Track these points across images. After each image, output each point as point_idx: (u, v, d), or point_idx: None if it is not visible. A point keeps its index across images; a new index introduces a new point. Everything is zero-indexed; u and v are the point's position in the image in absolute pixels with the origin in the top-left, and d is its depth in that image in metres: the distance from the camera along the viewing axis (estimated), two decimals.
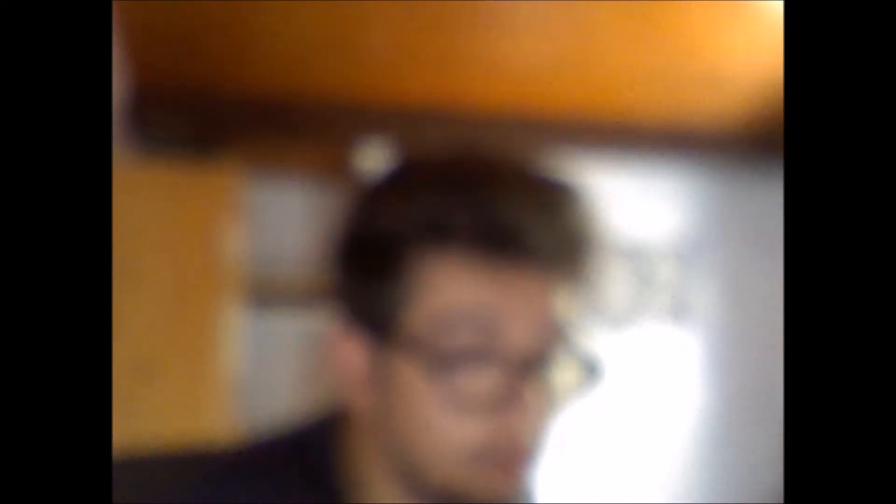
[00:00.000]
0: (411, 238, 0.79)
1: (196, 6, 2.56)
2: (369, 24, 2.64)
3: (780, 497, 0.74)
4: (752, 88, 2.91)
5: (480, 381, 0.78)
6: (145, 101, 2.95)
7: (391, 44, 2.75)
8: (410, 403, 0.80)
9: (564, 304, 0.81)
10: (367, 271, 0.81)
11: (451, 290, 0.79)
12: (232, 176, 2.66)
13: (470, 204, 0.78)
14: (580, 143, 3.20)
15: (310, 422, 0.89)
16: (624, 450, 3.27)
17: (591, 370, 0.84)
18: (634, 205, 3.37)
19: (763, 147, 3.20)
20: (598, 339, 3.27)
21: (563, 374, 0.82)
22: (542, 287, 0.80)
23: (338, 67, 2.89)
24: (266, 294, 3.06)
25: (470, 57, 2.81)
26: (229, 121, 3.09)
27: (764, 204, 3.26)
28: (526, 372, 0.79)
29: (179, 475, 0.84)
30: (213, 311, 2.54)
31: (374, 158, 2.96)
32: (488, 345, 0.78)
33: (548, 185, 0.81)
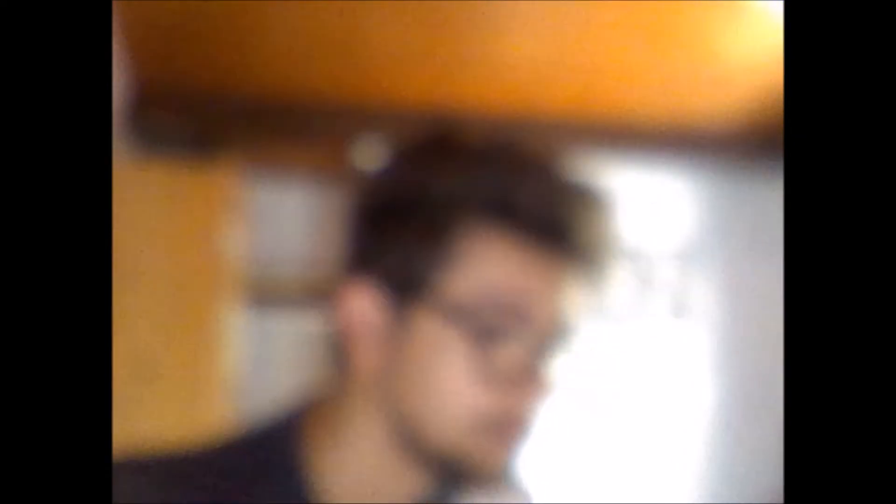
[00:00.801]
0: (466, 208, 0.82)
1: (196, 6, 2.56)
2: (369, 24, 2.64)
3: (780, 497, 0.74)
4: (752, 88, 2.91)
5: (504, 356, 0.81)
6: (145, 101, 2.95)
7: (391, 44, 2.75)
8: (429, 365, 0.82)
9: (574, 299, 0.85)
10: (407, 233, 0.83)
11: (499, 266, 0.82)
12: (232, 176, 2.66)
13: (530, 187, 0.82)
14: (580, 143, 3.20)
15: (275, 420, 0.89)
16: (624, 450, 3.26)
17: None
18: (634, 205, 3.37)
19: (763, 147, 3.20)
20: (598, 339, 3.25)
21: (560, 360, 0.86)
22: (569, 280, 0.84)
23: (338, 67, 2.89)
24: (266, 294, 3.06)
25: (470, 57, 2.81)
26: (229, 121, 3.09)
27: (764, 204, 3.26)
28: (542, 353, 0.83)
29: (143, 477, 0.83)
30: (212, 311, 2.54)
31: (374, 158, 2.96)
32: (518, 324, 0.81)
33: (589, 187, 0.86)
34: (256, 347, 2.95)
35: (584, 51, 2.76)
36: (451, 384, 0.81)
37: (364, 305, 0.84)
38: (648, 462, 3.28)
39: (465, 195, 0.82)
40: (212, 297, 2.55)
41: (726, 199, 3.40)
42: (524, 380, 0.82)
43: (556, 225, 0.82)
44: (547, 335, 0.82)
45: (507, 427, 0.82)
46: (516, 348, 0.81)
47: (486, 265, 0.81)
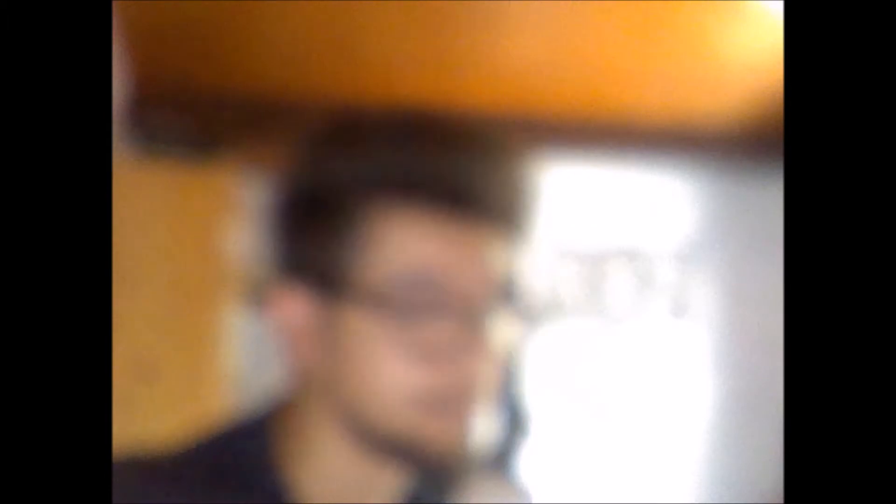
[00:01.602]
0: (368, 193, 0.82)
1: (196, 6, 2.56)
2: (369, 25, 2.64)
3: (780, 497, 0.74)
4: (752, 88, 2.91)
5: (433, 332, 0.81)
6: (145, 101, 2.95)
7: (391, 44, 2.75)
8: (362, 353, 0.82)
9: (506, 258, 0.84)
10: (316, 225, 0.83)
11: (408, 245, 0.81)
12: (232, 176, 2.66)
13: (426, 162, 0.82)
14: (580, 142, 3.20)
15: (244, 421, 0.89)
16: (624, 450, 3.27)
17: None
18: (634, 205, 3.37)
19: (763, 147, 3.20)
20: (598, 339, 3.25)
21: (504, 326, 0.84)
22: (488, 242, 0.83)
23: (337, 67, 2.89)
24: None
25: (470, 57, 2.81)
26: (229, 121, 3.09)
27: (764, 204, 3.26)
28: (473, 323, 0.82)
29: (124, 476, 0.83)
30: (213, 310, 2.54)
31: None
32: (441, 297, 0.81)
33: (496, 145, 0.85)
34: (256, 347, 2.94)
35: (584, 51, 2.76)
36: (385, 367, 0.81)
37: (293, 307, 0.84)
38: (648, 462, 3.28)
39: (365, 179, 0.82)
40: (212, 297, 2.55)
41: (726, 199, 3.40)
42: (458, 352, 0.81)
43: (465, 194, 0.81)
44: (474, 304, 0.82)
45: (452, 401, 0.81)
46: (444, 322, 0.81)
47: (396, 245, 0.81)
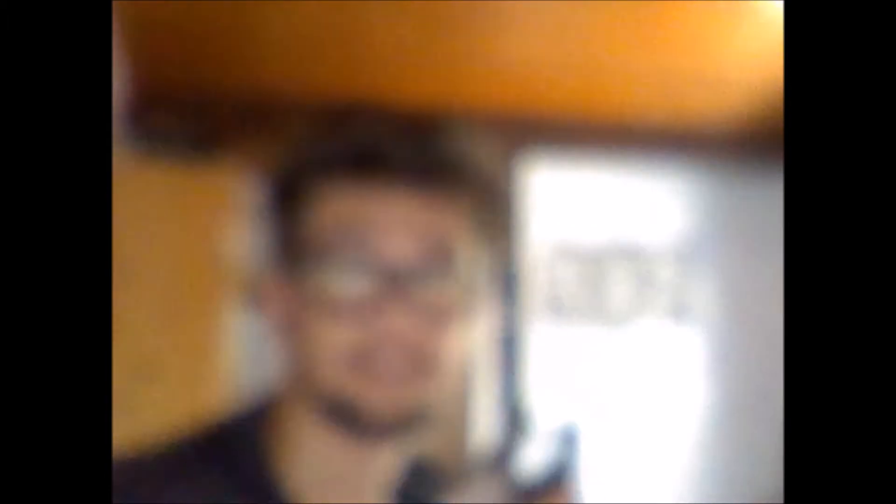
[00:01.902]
0: (302, 175, 0.88)
1: (196, 6, 2.56)
2: (369, 25, 2.64)
3: (780, 497, 0.74)
4: (752, 88, 2.91)
5: (352, 288, 0.85)
6: (145, 101, 2.95)
7: (391, 44, 2.75)
8: (300, 316, 0.86)
9: (447, 224, 0.87)
10: (286, 212, 0.89)
11: (332, 211, 0.87)
12: (232, 176, 2.66)
13: (341, 137, 0.89)
14: (580, 143, 3.20)
15: (235, 416, 0.91)
16: (624, 450, 3.26)
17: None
18: (634, 205, 3.37)
19: (763, 147, 3.20)
20: (597, 339, 3.25)
21: (443, 291, 0.86)
22: (419, 208, 0.87)
23: (338, 67, 2.89)
24: None
25: (470, 57, 2.81)
26: (229, 121, 3.09)
27: (764, 204, 3.26)
28: (398, 283, 0.85)
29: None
30: (213, 310, 2.54)
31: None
32: (361, 255, 0.85)
33: (413, 117, 0.91)
34: (256, 347, 2.94)
35: (584, 51, 2.76)
36: (309, 324, 0.85)
37: (279, 300, 0.89)
38: (648, 462, 3.28)
39: (297, 164, 0.89)
40: (212, 297, 2.55)
41: (726, 199, 3.40)
42: (378, 310, 0.84)
43: (381, 159, 0.86)
44: (397, 264, 0.85)
45: (380, 361, 0.84)
46: (362, 278, 0.84)
47: (324, 214, 0.86)
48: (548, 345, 3.25)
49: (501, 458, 2.80)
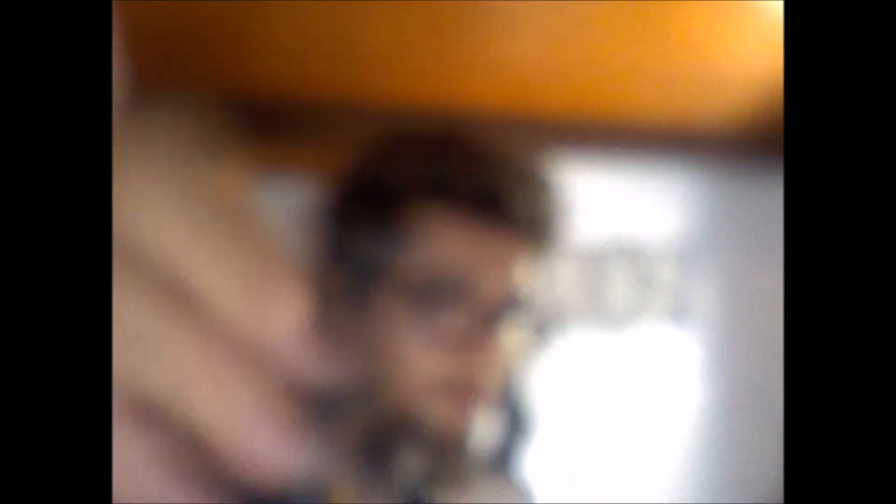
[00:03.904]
0: (415, 195, 0.91)
1: (196, 6, 2.56)
2: (369, 24, 2.64)
3: (780, 497, 0.74)
4: (752, 88, 2.91)
5: (453, 322, 0.89)
6: (145, 101, 2.94)
7: (391, 44, 2.75)
8: (386, 336, 0.89)
9: (526, 269, 0.93)
10: (365, 219, 0.92)
11: (442, 241, 0.90)
12: (233, 176, 2.65)
13: (467, 171, 0.91)
14: (580, 143, 3.20)
15: None
16: (624, 450, 3.27)
17: (539, 331, 0.95)
18: (634, 205, 3.37)
19: (763, 147, 3.20)
20: (597, 339, 3.25)
21: (515, 332, 0.92)
22: (513, 251, 0.92)
23: (338, 67, 2.89)
24: None
25: (470, 57, 2.81)
26: (229, 121, 3.09)
27: (764, 204, 3.26)
28: (490, 321, 0.90)
29: None
30: None
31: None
32: (464, 292, 0.89)
33: (529, 167, 0.96)
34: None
35: (584, 51, 2.76)
36: (401, 350, 0.88)
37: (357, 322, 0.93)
38: (648, 462, 3.28)
39: (412, 184, 0.91)
40: None
41: (726, 198, 3.40)
42: (470, 344, 0.88)
43: (499, 204, 0.90)
44: (493, 304, 0.89)
45: (460, 388, 0.88)
46: (461, 317, 0.88)
47: (432, 240, 0.89)
48: (548, 344, 3.25)
49: (502, 458, 2.80)
